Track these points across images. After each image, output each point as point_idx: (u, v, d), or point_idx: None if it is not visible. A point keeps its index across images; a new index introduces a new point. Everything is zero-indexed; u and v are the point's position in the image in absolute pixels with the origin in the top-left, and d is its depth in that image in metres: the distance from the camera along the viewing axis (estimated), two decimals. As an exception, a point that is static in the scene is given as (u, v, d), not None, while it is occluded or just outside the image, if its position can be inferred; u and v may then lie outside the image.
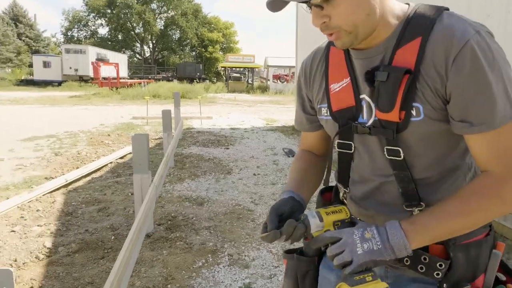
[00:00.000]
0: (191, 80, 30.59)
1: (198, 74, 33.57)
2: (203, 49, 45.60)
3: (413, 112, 0.82)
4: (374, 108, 0.88)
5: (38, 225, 3.49)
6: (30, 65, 36.94)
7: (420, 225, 0.82)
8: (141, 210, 2.75)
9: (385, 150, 0.89)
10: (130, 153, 6.66)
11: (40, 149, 7.06)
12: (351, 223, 0.94)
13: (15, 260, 2.85)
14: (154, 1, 44.93)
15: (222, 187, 4.85)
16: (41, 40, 45.05)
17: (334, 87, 0.96)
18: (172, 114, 6.15)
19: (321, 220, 0.91)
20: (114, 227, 3.50)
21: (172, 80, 29.63)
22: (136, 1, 43.22)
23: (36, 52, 39.21)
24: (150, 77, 33.60)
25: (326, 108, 0.98)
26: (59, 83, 28.46)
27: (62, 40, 45.14)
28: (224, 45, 47.36)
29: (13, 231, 3.35)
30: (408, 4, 0.88)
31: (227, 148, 7.30)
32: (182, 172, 5.50)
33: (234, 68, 30.53)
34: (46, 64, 29.77)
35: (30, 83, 29.82)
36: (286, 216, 0.92)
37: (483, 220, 0.82)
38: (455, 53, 0.76)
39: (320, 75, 1.01)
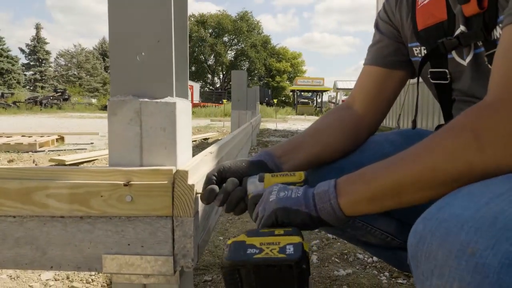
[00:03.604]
0: (259, 104, 31.26)
1: (266, 99, 34.23)
2: (270, 79, 46.66)
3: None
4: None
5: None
6: (114, 94, 40.38)
7: (357, 174, 0.60)
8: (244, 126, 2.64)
9: (485, 59, 0.67)
10: (210, 138, 6.75)
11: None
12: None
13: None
14: (226, 35, 47.42)
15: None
16: (124, 72, 49.29)
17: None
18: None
19: (261, 180, 0.71)
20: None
21: (241, 105, 30.48)
22: (209, 35, 45.96)
23: (119, 82, 42.83)
24: (220, 101, 35.04)
25: (419, 48, 0.80)
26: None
27: (142, 72, 49.01)
28: (291, 75, 48.09)
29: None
30: None
31: (307, 139, 7.11)
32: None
33: (302, 94, 30.63)
34: (128, 91, 32.40)
35: (113, 108, 32.53)
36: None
37: (440, 164, 0.52)
38: None
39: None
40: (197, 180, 0.76)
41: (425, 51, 0.78)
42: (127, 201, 0.72)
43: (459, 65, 0.74)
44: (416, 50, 0.81)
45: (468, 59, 0.71)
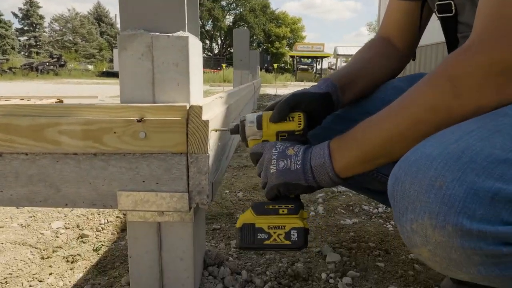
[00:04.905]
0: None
1: (265, 65, 33.77)
2: (269, 45, 45.80)
3: None
4: None
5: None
6: (110, 60, 39.71)
7: (348, 136, 0.64)
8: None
9: None
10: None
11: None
12: (302, 136, 0.69)
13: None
14: (224, -1, 46.12)
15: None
16: (120, 38, 48.30)
17: None
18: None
19: (259, 127, 0.71)
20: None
21: (240, 72, 30.08)
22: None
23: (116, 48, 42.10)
24: (219, 67, 34.58)
25: None
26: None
27: (139, 37, 48.00)
28: (291, 40, 47.20)
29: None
30: None
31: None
32: (267, 112, 5.38)
33: (301, 60, 30.16)
34: (124, 57, 31.81)
35: (110, 74, 32.05)
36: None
37: (422, 116, 0.54)
38: None
39: None
40: (211, 117, 0.75)
41: None
42: (140, 137, 0.71)
43: None
44: None
45: None
